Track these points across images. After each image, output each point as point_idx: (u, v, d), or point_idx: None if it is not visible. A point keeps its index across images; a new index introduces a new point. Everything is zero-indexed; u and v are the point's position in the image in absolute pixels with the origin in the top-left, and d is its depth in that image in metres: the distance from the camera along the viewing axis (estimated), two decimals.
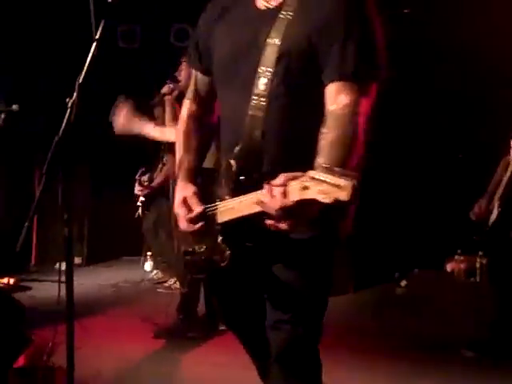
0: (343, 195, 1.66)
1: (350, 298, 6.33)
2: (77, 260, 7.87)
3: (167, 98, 4.78)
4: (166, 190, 6.54)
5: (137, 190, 6.72)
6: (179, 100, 4.77)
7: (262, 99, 2.03)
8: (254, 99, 2.04)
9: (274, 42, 2.03)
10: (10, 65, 6.59)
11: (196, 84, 2.37)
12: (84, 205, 7.86)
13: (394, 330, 5.13)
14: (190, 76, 4.62)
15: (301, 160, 1.86)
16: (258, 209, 1.86)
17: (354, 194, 1.66)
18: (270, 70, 2.03)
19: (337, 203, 1.67)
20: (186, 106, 2.40)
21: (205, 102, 2.36)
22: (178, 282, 6.65)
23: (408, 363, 4.24)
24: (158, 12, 7.62)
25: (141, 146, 7.56)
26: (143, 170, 6.05)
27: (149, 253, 7.36)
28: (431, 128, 7.14)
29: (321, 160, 1.89)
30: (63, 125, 2.17)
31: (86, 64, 2.22)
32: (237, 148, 2.05)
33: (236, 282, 2.28)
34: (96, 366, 3.91)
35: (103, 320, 5.11)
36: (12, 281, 6.19)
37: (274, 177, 1.79)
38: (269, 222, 1.84)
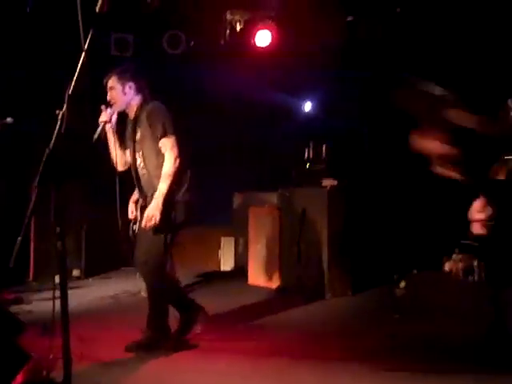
0: None
1: (350, 300, 6.33)
2: (75, 272, 7.84)
3: (108, 126, 4.49)
4: None
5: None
6: (122, 123, 4.60)
7: None
8: None
9: None
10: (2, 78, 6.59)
11: None
12: (81, 217, 7.84)
13: (394, 332, 5.12)
14: (124, 95, 4.53)
15: None
16: None
17: None
18: None
19: None
20: None
21: None
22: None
23: (408, 364, 4.23)
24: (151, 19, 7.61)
25: None
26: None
27: None
28: None
29: None
30: (54, 136, 2.17)
31: (75, 75, 2.22)
32: None
33: None
34: (97, 377, 3.93)
35: (103, 331, 5.08)
36: (11, 296, 6.15)
37: None
38: None
